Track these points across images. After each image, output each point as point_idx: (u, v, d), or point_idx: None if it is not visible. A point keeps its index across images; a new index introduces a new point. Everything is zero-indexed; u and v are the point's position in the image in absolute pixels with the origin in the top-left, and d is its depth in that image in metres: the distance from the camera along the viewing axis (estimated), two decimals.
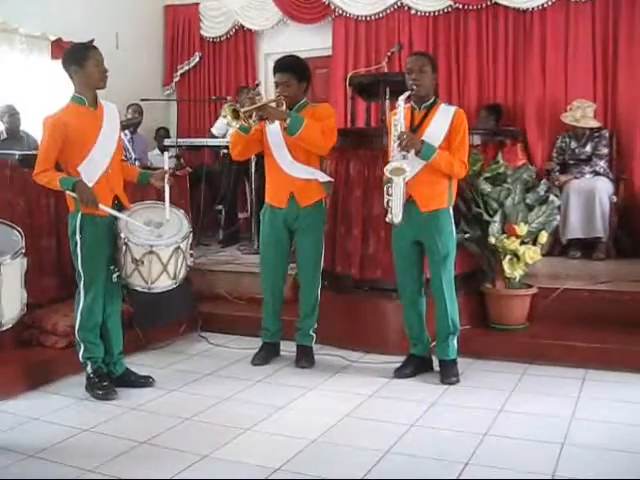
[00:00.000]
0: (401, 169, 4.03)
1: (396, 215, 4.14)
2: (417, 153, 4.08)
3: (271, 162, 4.57)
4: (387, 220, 4.22)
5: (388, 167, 4.07)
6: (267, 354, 4.77)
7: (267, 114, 4.32)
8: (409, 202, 4.17)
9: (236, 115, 4.22)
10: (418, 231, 4.24)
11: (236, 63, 9.06)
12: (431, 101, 4.27)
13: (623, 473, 3.06)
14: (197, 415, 3.82)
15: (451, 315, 4.31)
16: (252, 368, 4.65)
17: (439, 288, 4.28)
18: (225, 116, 4.25)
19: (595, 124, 6.64)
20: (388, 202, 4.15)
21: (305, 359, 4.67)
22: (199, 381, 4.43)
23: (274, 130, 4.47)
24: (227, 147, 5.47)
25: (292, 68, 4.51)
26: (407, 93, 4.18)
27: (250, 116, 4.28)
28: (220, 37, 9.13)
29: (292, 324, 4.76)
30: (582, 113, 6.65)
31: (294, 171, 4.49)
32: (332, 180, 4.77)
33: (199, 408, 3.91)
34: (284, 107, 4.42)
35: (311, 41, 8.48)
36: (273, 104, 4.42)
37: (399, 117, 4.13)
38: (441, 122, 4.18)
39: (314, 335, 4.75)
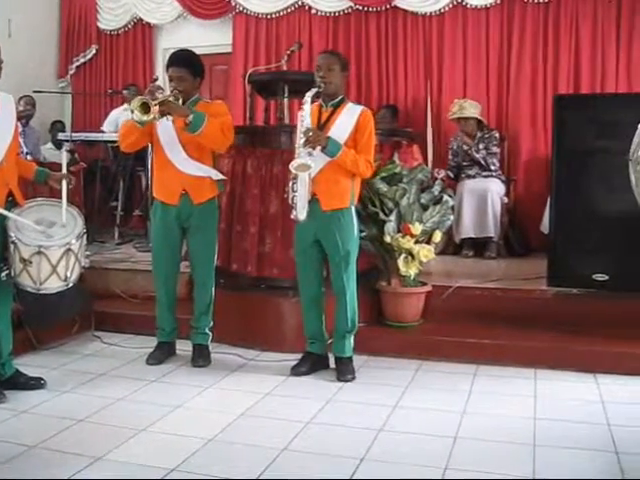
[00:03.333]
0: (306, 165, 4.03)
1: (300, 212, 4.15)
2: (323, 150, 4.10)
3: (162, 158, 4.47)
4: (292, 217, 4.21)
5: (293, 163, 4.06)
6: (162, 353, 4.70)
7: (170, 109, 4.24)
8: (312, 200, 4.18)
9: (145, 109, 4.12)
10: (319, 230, 4.25)
11: (134, 57, 8.90)
12: (338, 99, 4.29)
13: (512, 463, 3.16)
14: (91, 416, 3.73)
15: (351, 314, 4.36)
16: (147, 368, 4.57)
17: (340, 287, 4.32)
18: (133, 110, 4.13)
19: (471, 114, 6.83)
20: (293, 199, 4.16)
21: (201, 358, 4.64)
22: (93, 382, 4.33)
23: (165, 126, 4.38)
24: None
25: (188, 63, 4.44)
26: (314, 90, 4.19)
27: (155, 111, 4.17)
28: (118, 30, 8.94)
29: (188, 322, 4.71)
30: (459, 107, 6.88)
31: (187, 168, 4.43)
32: (225, 178, 4.73)
33: (93, 409, 3.82)
34: (180, 102, 4.35)
35: (211, 37, 8.43)
36: (171, 98, 4.34)
37: (305, 113, 4.14)
38: (346, 121, 4.22)
39: (210, 334, 4.72)
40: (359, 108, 4.30)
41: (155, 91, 4.24)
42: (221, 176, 4.61)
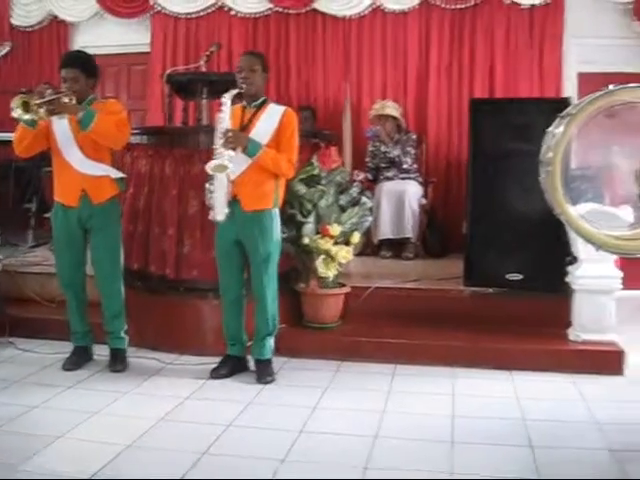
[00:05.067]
0: (223, 166, 4.03)
1: (218, 213, 4.15)
2: (243, 150, 4.11)
3: (59, 159, 4.41)
4: (210, 218, 4.21)
5: (210, 164, 4.05)
6: (79, 358, 4.61)
7: (59, 108, 4.17)
8: (234, 201, 4.18)
9: (26, 108, 4.06)
10: (240, 231, 4.25)
11: (49, 55, 8.62)
12: (261, 100, 4.31)
13: (431, 461, 3.23)
14: (5, 425, 3.62)
15: (271, 316, 4.37)
16: (63, 374, 4.47)
17: (260, 289, 4.31)
18: (14, 108, 4.06)
19: (392, 112, 6.93)
20: (210, 200, 4.16)
21: (118, 362, 4.57)
22: (7, 389, 4.20)
23: (61, 126, 4.34)
24: None
25: (80, 63, 4.41)
26: (234, 91, 4.19)
27: (38, 109, 4.10)
28: (32, 27, 8.65)
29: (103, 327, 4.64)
30: (381, 106, 6.99)
31: (85, 168, 4.37)
32: (125, 176, 4.68)
33: (7, 417, 3.71)
34: (74, 102, 4.28)
35: (129, 36, 8.28)
36: (65, 98, 4.25)
37: (224, 114, 4.14)
38: (269, 121, 4.24)
39: (126, 337, 4.65)
40: (282, 108, 4.33)
41: (44, 91, 4.18)
42: (120, 174, 4.56)
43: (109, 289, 4.58)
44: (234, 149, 4.09)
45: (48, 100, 4.12)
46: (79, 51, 4.56)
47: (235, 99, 4.23)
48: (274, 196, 4.31)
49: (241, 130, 4.19)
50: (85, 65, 4.42)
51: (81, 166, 4.37)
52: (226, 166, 4.04)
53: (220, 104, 4.23)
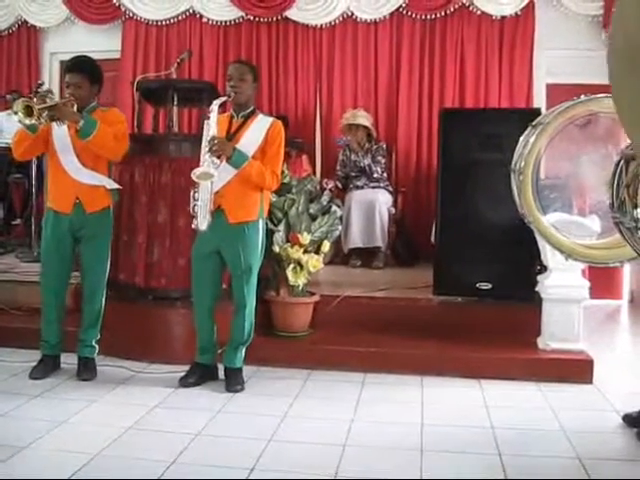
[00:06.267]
0: (208, 174, 4.00)
1: (202, 222, 4.11)
2: (228, 160, 4.08)
3: (56, 165, 4.36)
4: (193, 226, 4.17)
5: (195, 171, 4.01)
6: (46, 367, 4.54)
7: (60, 114, 4.14)
8: (218, 212, 4.15)
9: (29, 112, 4.02)
10: (222, 241, 4.22)
11: (18, 61, 8.55)
12: (249, 110, 4.29)
13: (400, 469, 3.23)
14: None
15: (248, 326, 4.35)
16: (30, 382, 4.40)
17: (241, 299, 4.30)
18: (17, 112, 4.01)
19: (363, 122, 6.98)
20: (194, 207, 4.11)
21: (87, 371, 4.52)
22: None
23: (61, 133, 4.29)
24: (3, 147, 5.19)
25: (86, 69, 4.37)
26: (222, 98, 4.18)
27: (40, 115, 4.07)
28: (1, 32, 8.60)
29: (72, 335, 4.58)
30: (352, 115, 7.03)
31: (81, 176, 4.33)
32: (120, 187, 4.65)
33: None
34: (74, 109, 4.25)
35: (100, 42, 8.18)
36: (67, 105, 4.22)
37: (211, 122, 4.11)
38: (257, 132, 4.22)
39: (96, 346, 4.60)
40: (270, 120, 4.32)
41: (45, 96, 4.14)
42: (115, 185, 4.53)
43: (91, 298, 4.54)
44: (219, 157, 4.06)
45: (50, 106, 4.08)
46: (85, 56, 4.48)
47: (220, 107, 4.19)
48: (259, 207, 4.28)
49: (227, 140, 4.15)
50: (90, 71, 4.39)
51: (77, 174, 4.32)
52: (212, 174, 4.01)
53: (209, 111, 4.18)
